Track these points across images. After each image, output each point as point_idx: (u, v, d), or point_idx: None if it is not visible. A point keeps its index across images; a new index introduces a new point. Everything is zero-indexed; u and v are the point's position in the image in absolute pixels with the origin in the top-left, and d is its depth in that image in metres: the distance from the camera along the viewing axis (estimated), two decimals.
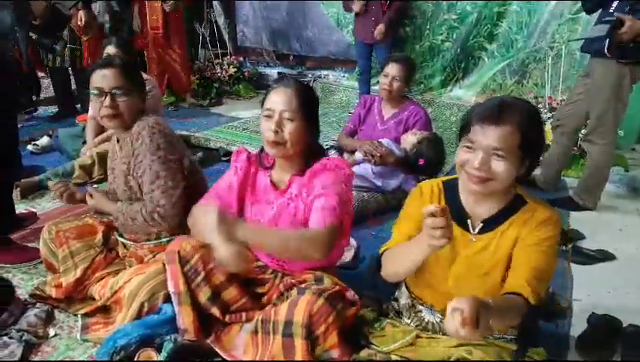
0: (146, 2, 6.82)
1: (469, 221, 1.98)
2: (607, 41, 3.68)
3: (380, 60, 6.69)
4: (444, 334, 2.04)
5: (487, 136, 1.77)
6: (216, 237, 1.93)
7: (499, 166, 1.77)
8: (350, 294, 2.22)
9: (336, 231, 2.14)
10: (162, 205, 2.48)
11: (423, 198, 2.07)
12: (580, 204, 4.29)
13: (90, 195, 2.73)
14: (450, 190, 2.04)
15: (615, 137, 4.15)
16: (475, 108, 1.90)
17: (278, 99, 2.20)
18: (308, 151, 2.32)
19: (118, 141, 2.71)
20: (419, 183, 2.17)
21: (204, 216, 1.98)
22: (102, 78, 2.52)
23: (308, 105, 2.24)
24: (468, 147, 1.83)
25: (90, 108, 4.61)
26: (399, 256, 1.95)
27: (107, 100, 2.50)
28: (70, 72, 6.45)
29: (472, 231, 1.98)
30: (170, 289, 2.27)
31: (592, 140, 4.15)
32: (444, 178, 2.13)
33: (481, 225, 1.96)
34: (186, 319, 2.25)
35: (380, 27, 6.43)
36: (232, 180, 2.42)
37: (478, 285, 1.96)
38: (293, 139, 2.20)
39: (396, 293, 2.31)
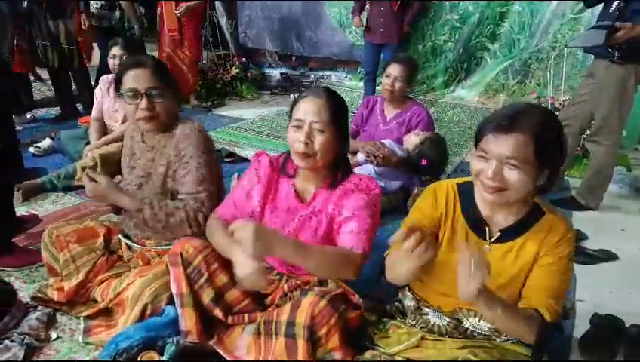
0: (163, 4, 6.85)
1: (486, 229, 1.96)
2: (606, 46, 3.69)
3: (387, 61, 6.68)
4: (449, 336, 2.03)
5: (500, 145, 1.75)
6: (248, 252, 1.85)
7: (512, 175, 1.75)
8: (354, 297, 2.21)
9: (369, 255, 2.13)
10: (207, 207, 2.48)
11: (438, 201, 2.04)
12: (583, 204, 4.29)
13: (95, 180, 2.53)
14: (466, 194, 2.01)
15: (620, 138, 4.15)
16: (489, 116, 1.87)
17: (309, 110, 2.16)
18: (335, 163, 2.29)
19: (144, 141, 2.69)
20: (432, 183, 2.13)
21: (242, 231, 1.87)
22: (135, 79, 2.48)
23: (339, 115, 2.19)
24: (482, 156, 1.81)
25: (93, 109, 4.64)
26: (397, 265, 1.90)
27: (144, 102, 2.47)
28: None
29: (488, 239, 1.95)
30: (173, 291, 2.26)
31: (597, 141, 4.15)
32: (459, 180, 2.09)
33: (499, 233, 1.94)
34: (188, 321, 2.24)
35: (405, 26, 6.65)
36: (251, 186, 2.38)
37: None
38: (323, 151, 2.16)
39: (399, 294, 2.31)
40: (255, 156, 2.43)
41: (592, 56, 4.12)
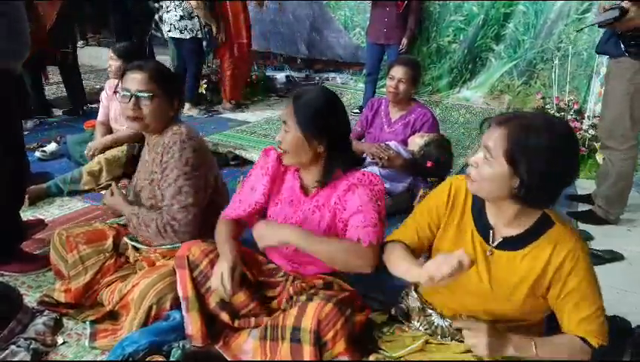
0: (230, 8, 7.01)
1: (490, 232, 1.96)
2: (617, 37, 3.57)
3: (391, 62, 6.69)
4: (453, 339, 2.03)
5: (486, 135, 1.80)
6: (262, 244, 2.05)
7: (484, 168, 1.78)
8: (360, 300, 2.22)
9: (377, 249, 2.12)
10: (178, 220, 2.51)
11: (452, 197, 2.06)
12: (603, 217, 4.08)
13: (112, 192, 2.78)
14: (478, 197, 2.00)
15: (636, 141, 3.87)
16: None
17: (284, 110, 2.26)
18: (324, 162, 2.30)
19: (147, 144, 2.80)
20: (449, 178, 2.14)
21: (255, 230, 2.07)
22: (130, 81, 2.59)
23: (305, 116, 2.21)
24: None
25: (99, 113, 4.66)
26: (395, 263, 1.98)
27: (131, 103, 2.57)
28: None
29: (491, 243, 1.96)
30: (179, 294, 2.27)
31: (611, 147, 3.93)
32: None
33: (501, 239, 1.94)
34: (193, 325, 2.25)
35: (404, 41, 6.61)
36: (256, 180, 2.41)
37: (487, 300, 1.97)
38: (291, 149, 2.24)
39: (404, 294, 2.31)
40: (263, 151, 2.46)
41: (597, 57, 4.06)
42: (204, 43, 6.83)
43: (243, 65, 7.52)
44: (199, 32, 6.70)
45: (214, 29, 6.78)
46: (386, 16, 6.61)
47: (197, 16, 6.60)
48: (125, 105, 2.59)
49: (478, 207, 2.00)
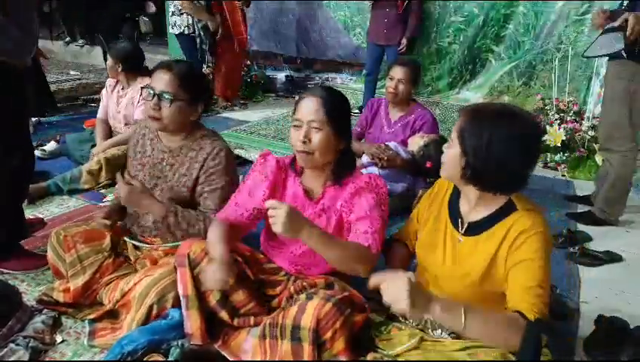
0: (227, 6, 7.03)
1: (459, 220, 2.08)
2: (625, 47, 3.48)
3: (391, 63, 6.71)
4: (442, 331, 2.06)
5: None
6: (277, 230, 1.94)
7: (446, 151, 2.02)
8: (359, 300, 2.22)
9: (380, 255, 2.20)
10: None
11: (433, 194, 2.27)
12: (603, 218, 4.07)
13: (129, 189, 2.56)
14: (457, 188, 2.14)
15: (635, 142, 3.86)
16: None
17: (306, 109, 2.22)
18: (340, 161, 2.33)
19: (160, 141, 2.79)
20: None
21: (277, 209, 1.94)
22: (156, 79, 2.61)
23: (336, 112, 2.24)
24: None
25: (99, 111, 4.67)
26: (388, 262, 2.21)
27: (153, 102, 2.58)
28: None
29: (460, 230, 2.07)
30: (180, 292, 2.27)
31: (610, 149, 3.94)
32: None
33: (466, 225, 2.05)
34: (193, 323, 2.25)
35: (403, 41, 6.58)
36: (254, 185, 2.41)
37: (458, 285, 2.05)
38: (322, 149, 2.22)
39: None
40: (260, 156, 2.46)
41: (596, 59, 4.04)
42: (198, 40, 6.83)
43: (238, 63, 7.56)
44: (187, 29, 6.71)
45: (211, 26, 6.78)
46: (386, 17, 6.61)
47: (186, 13, 6.64)
48: (147, 104, 2.61)
49: (454, 198, 2.14)
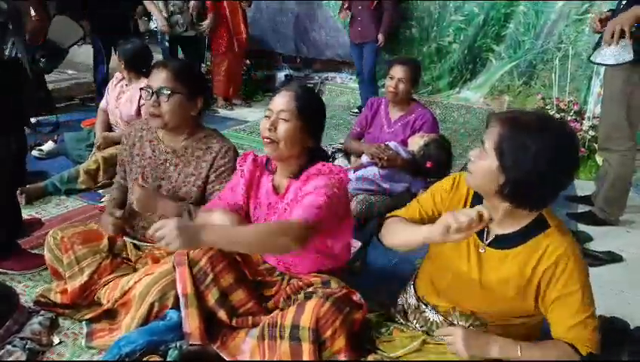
0: (227, 5, 7.07)
1: (484, 229, 1.96)
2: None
3: (367, 61, 6.89)
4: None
5: (487, 130, 1.84)
6: (174, 248, 1.90)
7: (478, 162, 1.85)
8: (357, 297, 2.21)
9: (314, 228, 2.09)
10: None
11: (454, 187, 2.12)
12: (603, 218, 4.06)
13: (144, 194, 2.57)
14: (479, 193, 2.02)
15: (634, 142, 3.86)
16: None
17: (278, 101, 2.25)
18: (306, 156, 2.33)
19: (163, 143, 2.79)
20: (458, 173, 2.18)
21: (164, 229, 1.89)
22: (153, 78, 2.63)
23: (307, 109, 2.26)
24: None
25: (102, 100, 4.71)
26: (397, 230, 2.04)
27: (152, 99, 2.59)
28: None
29: (484, 240, 1.97)
30: (179, 291, 2.27)
31: (609, 148, 3.93)
32: None
33: (493, 237, 1.96)
34: (192, 322, 2.25)
35: (380, 37, 6.67)
36: (236, 182, 2.45)
37: (478, 297, 1.99)
38: (287, 139, 2.22)
39: (403, 292, 2.34)
40: (242, 155, 2.51)
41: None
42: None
43: (239, 63, 7.58)
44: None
45: (205, 25, 6.82)
46: (359, 16, 6.74)
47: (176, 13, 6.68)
48: (147, 102, 2.62)
49: (477, 202, 2.00)
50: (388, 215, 2.25)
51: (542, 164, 1.71)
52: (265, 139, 2.25)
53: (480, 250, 1.98)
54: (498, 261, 1.93)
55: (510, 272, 1.90)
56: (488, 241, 1.97)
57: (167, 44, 6.76)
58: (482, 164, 1.82)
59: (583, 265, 1.87)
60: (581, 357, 1.78)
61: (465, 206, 2.05)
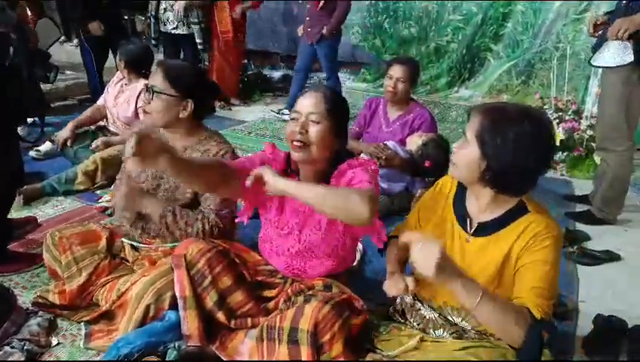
0: (217, 7, 7.10)
1: (468, 220, 2.04)
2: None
3: (322, 61, 6.89)
4: (445, 331, 2.06)
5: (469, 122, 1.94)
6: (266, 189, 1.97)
7: (460, 152, 1.95)
8: (358, 303, 2.20)
9: (377, 200, 2.04)
10: (224, 222, 2.59)
11: (436, 191, 2.22)
12: (602, 217, 4.07)
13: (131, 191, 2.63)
14: (462, 188, 2.10)
15: (632, 142, 3.86)
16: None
17: (306, 103, 2.19)
18: (334, 160, 2.27)
19: None
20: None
21: (262, 171, 1.98)
22: (151, 75, 2.72)
23: (336, 110, 2.21)
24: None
25: (100, 97, 4.75)
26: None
27: (146, 96, 2.64)
28: None
29: (468, 231, 2.03)
30: (177, 293, 2.26)
31: (607, 148, 3.93)
32: None
33: (476, 225, 2.01)
34: (190, 324, 2.23)
35: (324, 30, 6.59)
36: (252, 162, 2.32)
37: None
38: (318, 142, 2.16)
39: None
40: (270, 146, 2.42)
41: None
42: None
43: (236, 63, 7.58)
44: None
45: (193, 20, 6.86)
46: (308, 15, 6.75)
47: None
48: (144, 98, 2.69)
49: (460, 197, 2.09)
50: (391, 234, 2.30)
51: (521, 150, 1.79)
52: (294, 143, 2.16)
53: (467, 241, 2.03)
54: (480, 248, 1.98)
55: (492, 257, 1.94)
56: (472, 231, 2.02)
57: (153, 41, 6.86)
58: (464, 152, 1.91)
59: (558, 250, 1.90)
60: (532, 321, 1.76)
61: (446, 203, 2.15)
